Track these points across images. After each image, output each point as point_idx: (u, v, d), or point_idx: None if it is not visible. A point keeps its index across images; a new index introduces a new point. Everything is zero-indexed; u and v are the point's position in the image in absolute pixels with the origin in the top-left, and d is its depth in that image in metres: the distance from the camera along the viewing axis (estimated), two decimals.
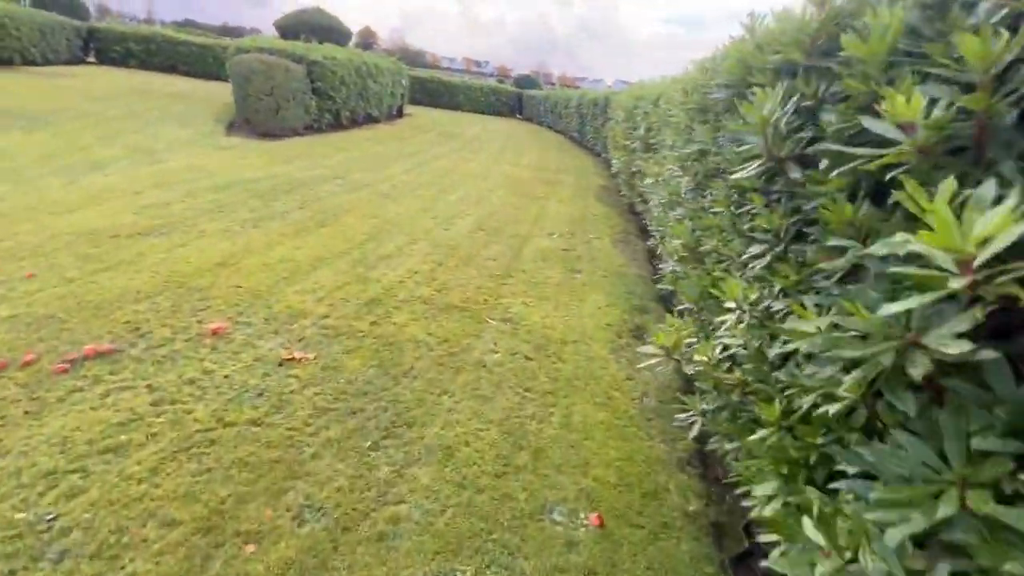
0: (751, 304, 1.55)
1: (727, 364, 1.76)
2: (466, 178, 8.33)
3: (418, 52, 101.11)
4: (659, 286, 4.12)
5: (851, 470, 0.90)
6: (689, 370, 1.91)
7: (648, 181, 5.04)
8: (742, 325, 1.60)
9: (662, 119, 4.71)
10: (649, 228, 5.58)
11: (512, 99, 29.32)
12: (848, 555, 0.79)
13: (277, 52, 11.36)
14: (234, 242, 4.18)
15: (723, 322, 1.72)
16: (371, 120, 15.08)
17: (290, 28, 15.06)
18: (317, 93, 11.53)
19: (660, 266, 4.38)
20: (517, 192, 7.86)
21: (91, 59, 21.47)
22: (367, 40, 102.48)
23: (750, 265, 1.65)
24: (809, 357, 1.15)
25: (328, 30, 15.13)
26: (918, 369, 0.76)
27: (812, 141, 1.38)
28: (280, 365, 2.66)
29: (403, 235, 5.02)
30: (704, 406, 1.93)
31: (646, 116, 5.80)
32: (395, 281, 3.93)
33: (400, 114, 19.45)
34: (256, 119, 10.42)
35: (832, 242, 1.13)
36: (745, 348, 1.61)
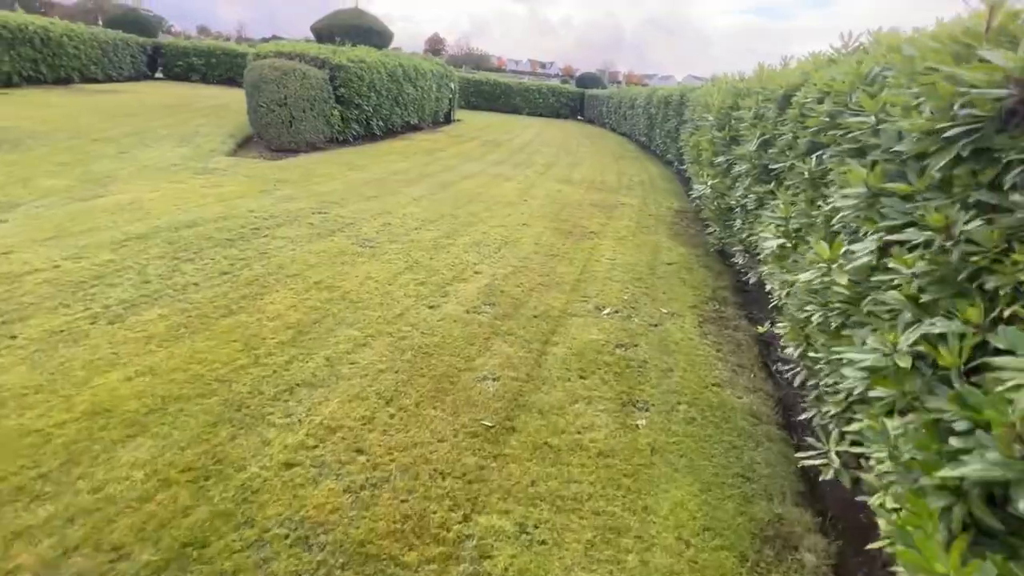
0: None
1: None
2: (495, 206, 6.31)
3: (483, 56, 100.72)
4: (802, 459, 1.92)
5: None
6: None
7: (769, 241, 2.78)
8: None
9: (812, 126, 2.46)
10: (754, 283, 3.30)
11: (573, 100, 26.99)
12: None
13: (297, 56, 9.93)
14: (40, 367, 2.43)
15: None
16: (410, 128, 13.48)
17: (325, 31, 13.78)
18: (342, 101, 10.00)
19: (800, 405, 2.12)
20: (560, 226, 5.74)
21: (159, 74, 21.76)
22: (435, 47, 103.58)
23: None
24: None
25: (366, 32, 13.68)
26: None
27: None
28: None
29: (352, 327, 3.09)
30: None
31: (761, 123, 3.51)
32: (275, 466, 1.99)
33: (448, 120, 17.83)
34: (267, 133, 9.02)
35: None
36: None
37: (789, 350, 2.61)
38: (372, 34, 13.92)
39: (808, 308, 2.16)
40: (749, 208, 3.67)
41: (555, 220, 5.95)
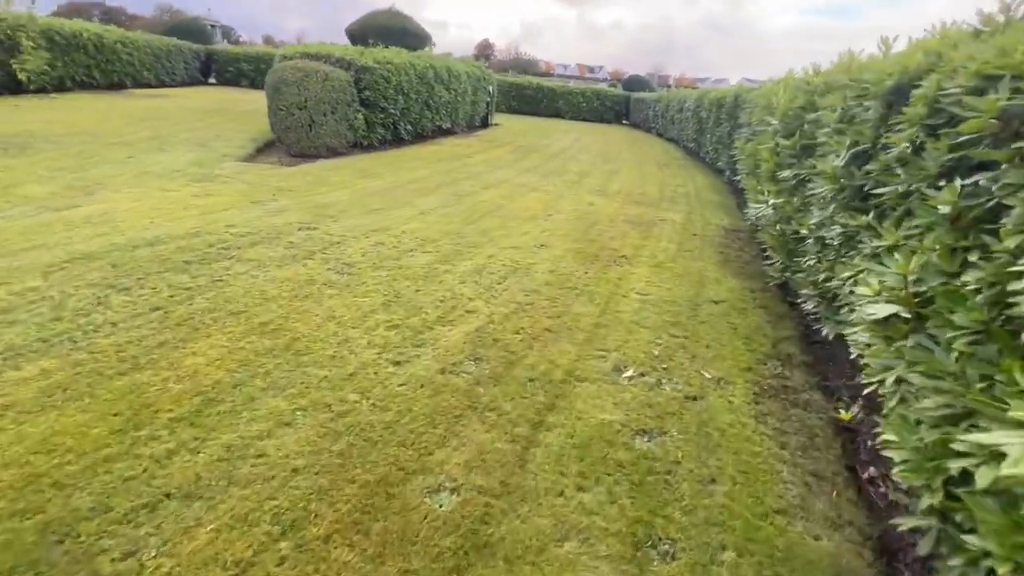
0: None
1: None
2: (512, 222, 5.50)
3: (530, 60, 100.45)
4: None
5: None
6: None
7: (870, 303, 1.82)
8: None
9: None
10: (831, 338, 2.33)
11: (618, 103, 25.83)
12: None
13: (322, 57, 9.49)
14: None
15: None
16: (442, 133, 12.87)
17: (359, 32, 13.43)
18: (367, 104, 9.48)
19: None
20: (585, 248, 4.85)
21: (212, 80, 22.34)
22: (484, 52, 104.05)
23: None
24: None
25: (401, 33, 13.22)
26: None
27: None
28: None
29: (282, 394, 2.33)
30: None
31: (853, 127, 2.51)
32: None
33: (486, 124, 17.19)
34: (287, 138, 8.59)
35: None
36: None
37: (897, 464, 1.64)
38: (407, 35, 13.44)
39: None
40: (831, 243, 2.67)
41: (580, 240, 5.06)
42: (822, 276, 2.87)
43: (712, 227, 6.23)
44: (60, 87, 13.29)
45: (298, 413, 2.22)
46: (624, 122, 26.67)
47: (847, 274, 2.34)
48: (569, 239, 5.07)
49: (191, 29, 22.17)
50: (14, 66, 11.08)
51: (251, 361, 2.53)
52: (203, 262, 3.60)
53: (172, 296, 3.07)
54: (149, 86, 17.21)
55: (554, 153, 11.56)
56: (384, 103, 9.72)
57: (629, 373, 2.83)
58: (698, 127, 12.59)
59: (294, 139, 8.50)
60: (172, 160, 6.85)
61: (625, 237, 5.36)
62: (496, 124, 18.41)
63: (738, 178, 7.14)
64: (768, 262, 4.35)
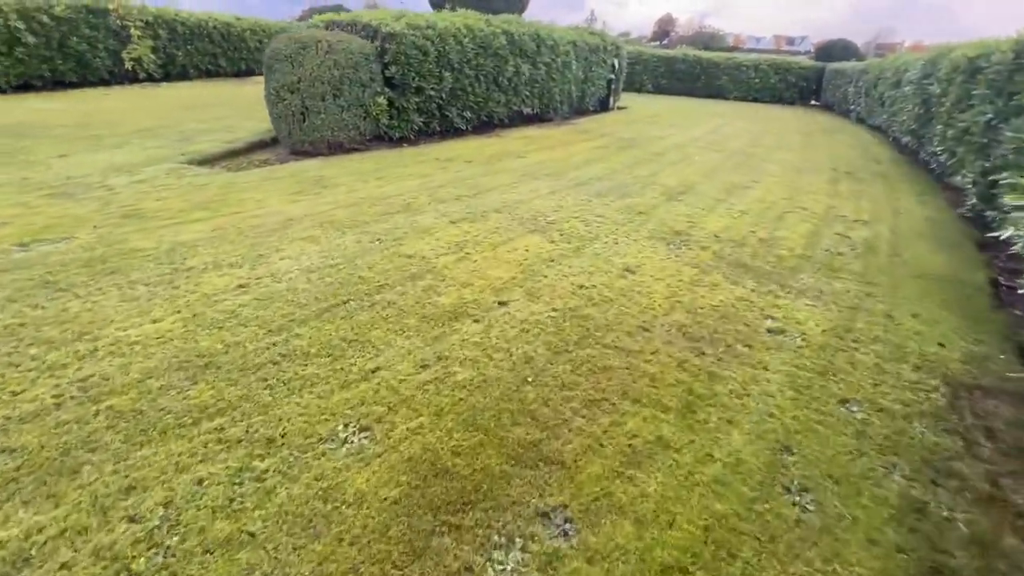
0: None
1: None
2: (398, 331, 2.62)
3: (714, 34, 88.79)
4: None
5: None
6: None
7: None
8: None
9: None
10: None
11: (805, 77, 19.60)
12: None
13: (348, 25, 7.41)
14: None
15: None
16: (525, 120, 10.03)
17: None
18: (393, 84, 7.18)
19: None
20: (463, 468, 1.80)
21: None
22: (664, 28, 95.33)
23: None
24: None
25: None
26: None
27: None
28: None
29: None
30: None
31: None
32: None
33: (606, 107, 13.77)
34: (280, 129, 6.72)
35: None
36: None
37: None
38: None
39: None
40: None
41: (481, 421, 2.00)
42: None
43: (930, 356, 2.49)
44: (183, 75, 13.72)
45: None
46: (813, 102, 20.27)
47: None
48: (456, 419, 2.03)
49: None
50: (123, 55, 11.36)
51: None
52: None
53: None
54: None
55: (658, 152, 7.88)
56: (420, 81, 7.29)
57: None
58: (923, 110, 7.60)
59: (285, 131, 6.60)
60: (116, 159, 5.41)
61: (642, 407, 2.10)
62: (623, 108, 14.79)
63: (1008, 210, 3.10)
64: None
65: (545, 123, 10.62)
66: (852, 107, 15.25)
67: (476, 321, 2.62)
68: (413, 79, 7.21)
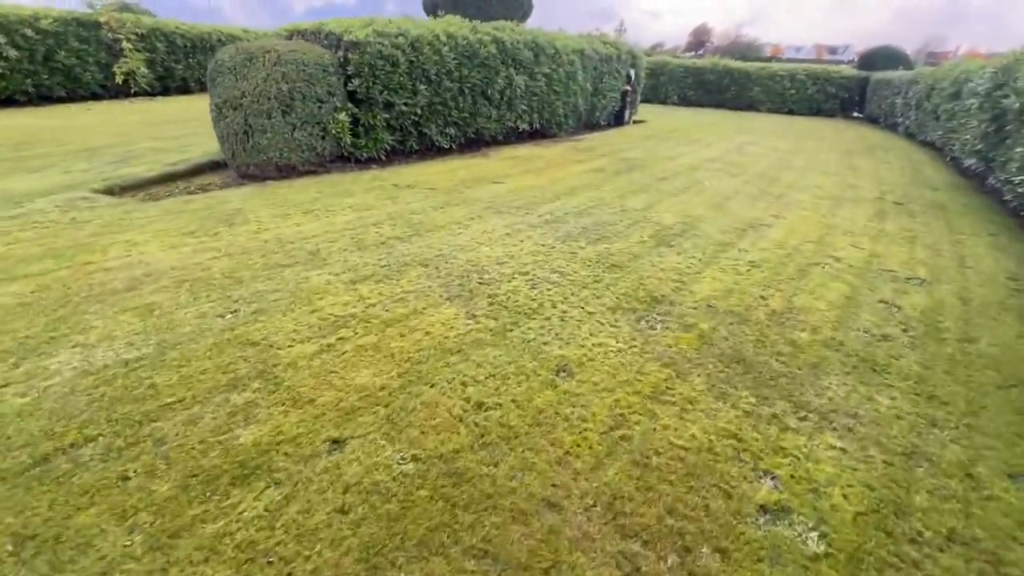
0: None
1: None
2: None
3: (750, 44, 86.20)
4: None
5: None
6: None
7: None
8: None
9: None
10: None
11: (847, 88, 18.01)
12: None
13: (312, 34, 6.65)
14: None
15: None
16: (526, 137, 9.07)
17: (430, 3, 10.26)
18: (357, 99, 6.34)
19: None
20: None
21: None
22: (700, 39, 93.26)
23: None
24: None
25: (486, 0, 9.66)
26: None
27: None
28: None
29: None
30: None
31: None
32: None
33: (620, 121, 12.68)
34: (225, 150, 5.96)
35: None
36: None
37: None
38: (492, 4, 9.83)
39: None
40: None
41: None
42: None
43: None
44: (184, 89, 13.40)
45: None
46: (856, 115, 18.58)
47: None
48: None
49: None
50: (115, 69, 11.02)
51: None
52: None
53: None
54: None
55: (663, 176, 6.75)
56: (389, 95, 6.43)
57: None
58: (993, 128, 6.23)
59: (229, 152, 5.83)
60: (10, 187, 4.73)
61: None
62: (639, 121, 13.66)
63: None
64: None
65: (547, 140, 9.63)
66: (900, 120, 13.66)
67: (275, 485, 1.63)
68: (380, 93, 6.36)
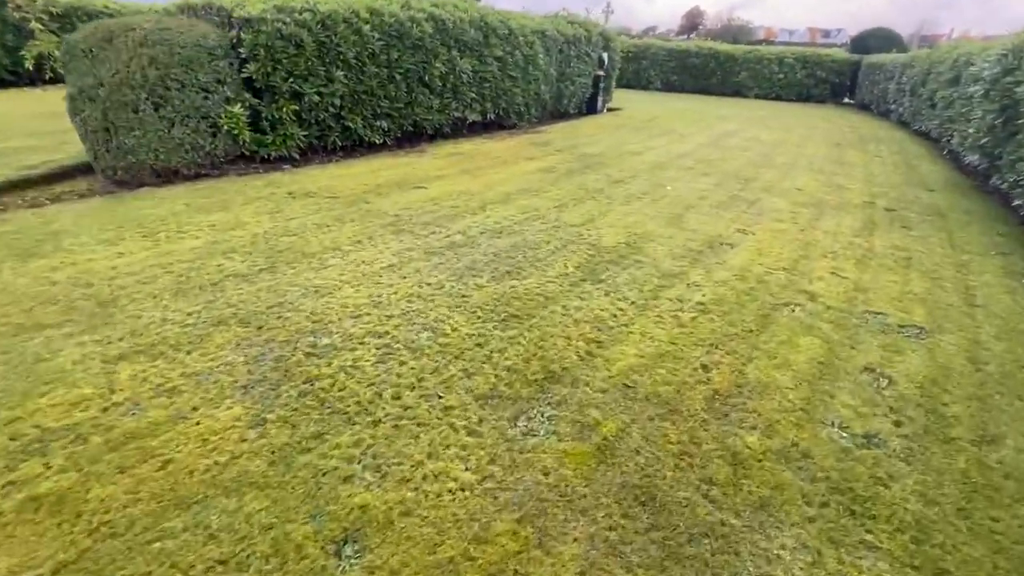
0: None
1: None
2: None
3: (742, 27, 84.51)
4: None
5: None
6: None
7: None
8: None
9: None
10: None
11: (838, 72, 17.08)
12: None
13: (196, 10, 5.61)
14: None
15: None
16: (480, 128, 8.09)
17: None
18: (256, 88, 5.34)
19: None
20: None
21: None
22: (693, 22, 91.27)
23: None
24: None
25: None
26: None
27: None
28: None
29: None
30: None
31: None
32: None
33: (593, 109, 11.70)
34: (88, 151, 4.96)
35: None
36: None
37: None
38: None
39: None
40: None
41: None
42: None
43: None
44: None
45: None
46: (847, 100, 17.69)
47: None
48: None
49: None
50: (23, 53, 9.82)
51: None
52: None
53: None
54: None
55: (620, 178, 5.83)
56: (295, 83, 5.43)
57: None
58: (1000, 120, 5.34)
59: (91, 153, 4.83)
60: None
61: None
62: (615, 109, 12.68)
63: None
64: None
65: (504, 131, 8.66)
66: (893, 107, 12.78)
67: None
68: (285, 80, 5.36)
